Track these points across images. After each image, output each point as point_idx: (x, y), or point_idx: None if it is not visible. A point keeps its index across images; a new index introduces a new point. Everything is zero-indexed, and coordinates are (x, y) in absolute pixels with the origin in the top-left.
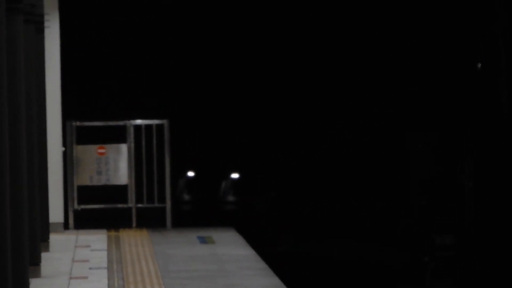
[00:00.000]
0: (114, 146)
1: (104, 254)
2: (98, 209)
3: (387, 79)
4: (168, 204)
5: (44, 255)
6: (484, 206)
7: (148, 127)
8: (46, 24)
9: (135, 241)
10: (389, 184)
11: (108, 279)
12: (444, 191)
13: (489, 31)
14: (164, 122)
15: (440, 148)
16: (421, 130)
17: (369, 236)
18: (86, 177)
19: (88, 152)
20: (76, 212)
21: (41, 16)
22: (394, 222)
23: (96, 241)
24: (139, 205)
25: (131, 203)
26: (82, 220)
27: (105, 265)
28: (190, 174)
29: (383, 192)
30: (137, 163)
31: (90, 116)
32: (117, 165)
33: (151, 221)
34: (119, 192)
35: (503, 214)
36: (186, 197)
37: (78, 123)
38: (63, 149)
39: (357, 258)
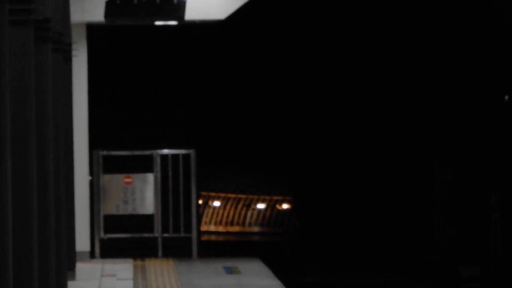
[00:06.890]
0: (140, 175)
1: (130, 283)
2: (124, 238)
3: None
4: (194, 234)
5: (70, 284)
6: (511, 237)
7: (175, 156)
8: (74, 52)
9: (161, 270)
10: (414, 214)
11: None
12: (470, 222)
13: None
14: (191, 152)
15: (465, 177)
16: (446, 160)
17: (395, 268)
18: (112, 206)
19: (114, 181)
20: (102, 241)
21: (69, 45)
22: (419, 254)
23: (122, 270)
24: (165, 235)
25: (157, 233)
26: (108, 249)
27: None
28: (216, 204)
29: (408, 223)
30: (164, 192)
31: (117, 145)
32: (143, 194)
33: (177, 250)
34: (145, 221)
35: None
36: (212, 227)
37: (105, 152)
38: (90, 178)
39: None
